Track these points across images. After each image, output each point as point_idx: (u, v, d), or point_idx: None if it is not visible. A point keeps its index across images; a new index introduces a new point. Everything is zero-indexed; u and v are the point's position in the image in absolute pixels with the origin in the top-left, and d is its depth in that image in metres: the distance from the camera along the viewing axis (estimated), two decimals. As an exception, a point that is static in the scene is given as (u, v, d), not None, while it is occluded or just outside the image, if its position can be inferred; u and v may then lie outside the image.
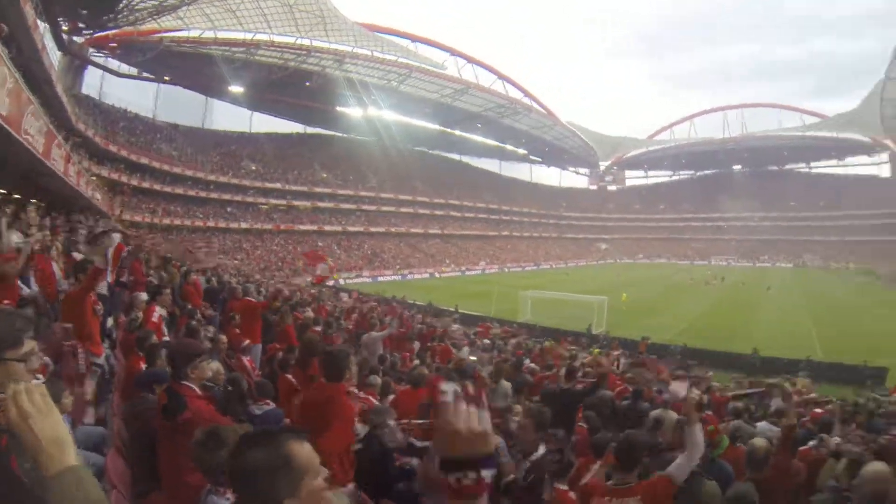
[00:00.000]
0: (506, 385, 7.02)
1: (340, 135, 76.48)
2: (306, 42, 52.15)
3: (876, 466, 3.06)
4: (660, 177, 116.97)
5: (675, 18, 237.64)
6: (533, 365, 10.05)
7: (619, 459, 3.20)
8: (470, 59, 70.05)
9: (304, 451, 1.27)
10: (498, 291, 35.65)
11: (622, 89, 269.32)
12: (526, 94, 78.63)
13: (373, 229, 64.33)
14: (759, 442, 4.20)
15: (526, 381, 8.03)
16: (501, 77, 74.60)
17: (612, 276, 57.81)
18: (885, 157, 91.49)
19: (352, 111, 70.56)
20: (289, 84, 57.55)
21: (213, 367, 3.69)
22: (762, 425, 6.62)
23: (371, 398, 5.61)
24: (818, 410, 8.56)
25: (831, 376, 18.04)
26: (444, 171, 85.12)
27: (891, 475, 2.95)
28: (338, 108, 68.79)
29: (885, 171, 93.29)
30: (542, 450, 3.63)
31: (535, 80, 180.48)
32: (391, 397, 5.97)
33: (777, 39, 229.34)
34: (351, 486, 3.40)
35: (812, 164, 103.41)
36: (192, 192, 50.15)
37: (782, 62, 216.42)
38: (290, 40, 51.61)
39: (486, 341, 14.79)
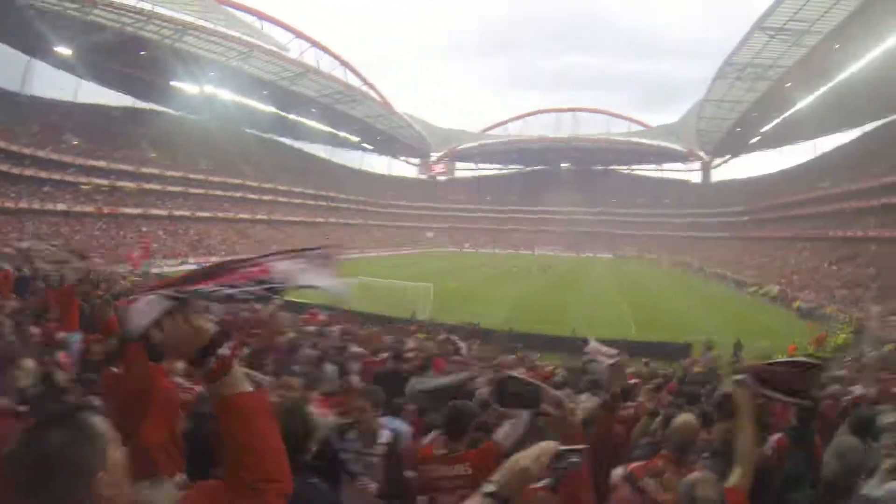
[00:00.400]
0: (330, 368, 7.19)
1: (172, 112, 76.31)
2: (148, 6, 52.33)
3: (684, 418, 3.58)
4: (489, 170, 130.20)
5: (516, 21, 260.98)
6: (359, 349, 10.64)
7: (448, 428, 3.62)
8: (314, 43, 73.74)
9: (101, 421, 1.32)
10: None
11: (460, 85, 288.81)
12: (364, 81, 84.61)
13: (200, 214, 65.84)
14: (587, 405, 5.03)
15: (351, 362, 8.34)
16: (342, 63, 79.67)
17: (438, 263, 63.88)
18: (696, 165, 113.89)
19: (187, 87, 71.23)
20: (122, 51, 57.38)
21: (27, 366, 3.44)
22: (583, 396, 6.99)
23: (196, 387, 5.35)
24: (633, 381, 10.78)
25: (644, 352, 20.56)
26: (276, 155, 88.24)
27: (696, 425, 3.54)
28: (172, 83, 69.13)
29: (696, 178, 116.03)
30: (386, 434, 4.01)
31: (375, 67, 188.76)
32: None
33: (611, 53, 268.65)
34: (180, 476, 3.45)
35: (634, 167, 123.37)
36: (4, 167, 48.62)
37: (614, 74, 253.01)
38: (132, 2, 51.44)
39: (312, 328, 15.31)
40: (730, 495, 2.57)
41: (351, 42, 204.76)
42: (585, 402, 5.31)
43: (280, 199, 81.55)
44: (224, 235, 65.85)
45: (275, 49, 66.69)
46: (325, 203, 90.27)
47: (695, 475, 2.69)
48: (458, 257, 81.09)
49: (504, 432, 3.52)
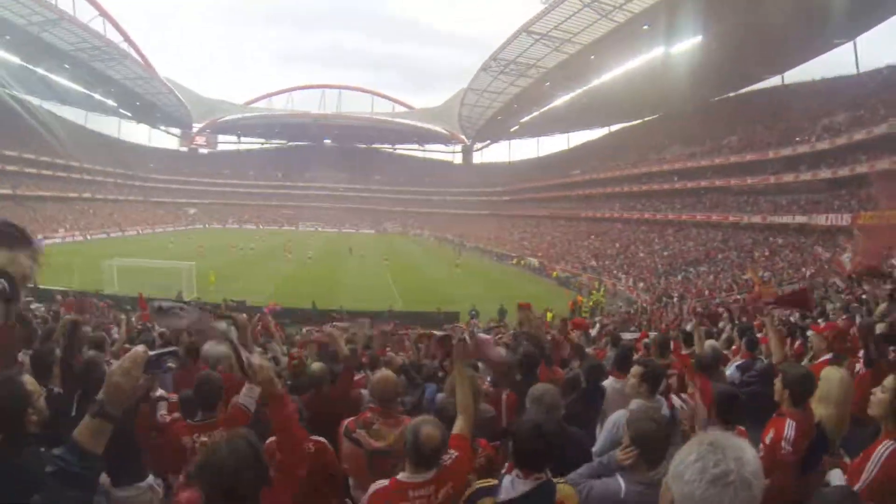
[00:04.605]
0: None
1: None
2: None
3: (381, 373, 4.08)
4: (252, 144, 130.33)
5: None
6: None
7: (201, 402, 3.92)
8: None
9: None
10: (80, 262, 36.23)
11: (230, 54, 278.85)
12: (126, 38, 79.34)
13: None
14: (316, 366, 5.20)
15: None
16: (103, 13, 73.66)
17: (201, 241, 62.28)
18: (458, 147, 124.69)
19: None
20: None
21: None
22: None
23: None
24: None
25: (412, 321, 22.91)
26: (20, 117, 77.21)
27: (394, 378, 3.99)
28: None
29: (457, 159, 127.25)
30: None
31: (135, 20, 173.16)
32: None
33: (382, 35, 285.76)
34: None
35: (397, 146, 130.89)
36: None
37: (381, 55, 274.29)
38: None
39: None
40: (454, 440, 2.94)
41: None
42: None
43: (27, 169, 73.12)
44: (-43, 212, 58.73)
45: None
46: (78, 175, 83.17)
47: (419, 418, 2.93)
48: (222, 234, 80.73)
49: (244, 393, 3.80)
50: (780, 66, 56.81)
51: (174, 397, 4.41)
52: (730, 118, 57.73)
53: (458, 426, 3.10)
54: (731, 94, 64.78)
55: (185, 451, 3.66)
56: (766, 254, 39.08)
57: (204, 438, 3.61)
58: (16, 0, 58.87)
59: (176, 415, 4.22)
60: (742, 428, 3.64)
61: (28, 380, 2.73)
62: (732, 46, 52.73)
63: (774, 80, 60.04)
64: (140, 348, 1.90)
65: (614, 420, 3.82)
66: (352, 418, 3.87)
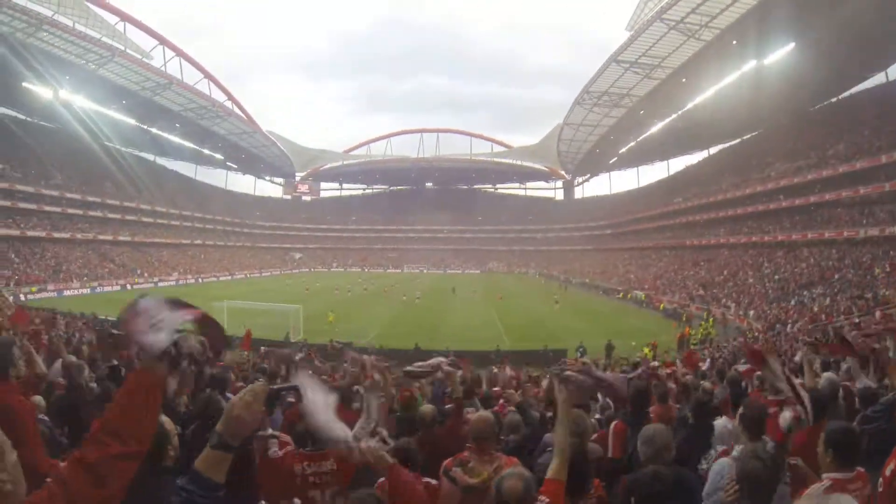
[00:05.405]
0: None
1: (24, 118, 72.07)
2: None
3: (479, 414, 4.22)
4: (354, 190, 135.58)
5: (380, 47, 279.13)
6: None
7: (313, 437, 3.79)
8: (179, 52, 72.17)
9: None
10: (194, 303, 38.60)
11: (324, 105, 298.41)
12: (229, 97, 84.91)
13: (56, 235, 62.72)
14: (427, 409, 5.39)
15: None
16: (207, 76, 78.92)
17: (305, 284, 66.05)
18: (559, 184, 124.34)
19: (39, 90, 66.30)
20: (-38, 42, 52.78)
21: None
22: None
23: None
24: (536, 389, 11.56)
25: (518, 361, 22.18)
26: (138, 171, 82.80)
27: (490, 418, 4.00)
28: (24, 85, 63.72)
29: (559, 195, 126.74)
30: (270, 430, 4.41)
31: (239, 82, 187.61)
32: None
33: (469, 77, 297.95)
34: None
35: (498, 186, 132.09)
36: None
37: (474, 96, 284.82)
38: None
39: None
40: (547, 485, 2.84)
41: (211, 51, 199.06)
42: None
43: (144, 219, 79.02)
44: (85, 259, 63.05)
45: (137, 56, 64.31)
46: (191, 224, 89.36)
47: (508, 470, 2.91)
48: (325, 277, 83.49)
49: (359, 426, 3.84)
50: (882, 62, 52.48)
51: (285, 437, 4.52)
52: (834, 126, 53.75)
53: (553, 469, 2.97)
54: (833, 100, 60.41)
55: (296, 478, 3.78)
56: (888, 269, 35.38)
57: (313, 467, 3.75)
58: (130, 69, 63.96)
59: (289, 448, 4.23)
60: (862, 470, 3.28)
61: (165, 420, 3.12)
62: (828, 49, 49.71)
63: (878, 79, 55.41)
64: (260, 383, 1.98)
65: (718, 469, 3.72)
66: (451, 458, 3.90)
